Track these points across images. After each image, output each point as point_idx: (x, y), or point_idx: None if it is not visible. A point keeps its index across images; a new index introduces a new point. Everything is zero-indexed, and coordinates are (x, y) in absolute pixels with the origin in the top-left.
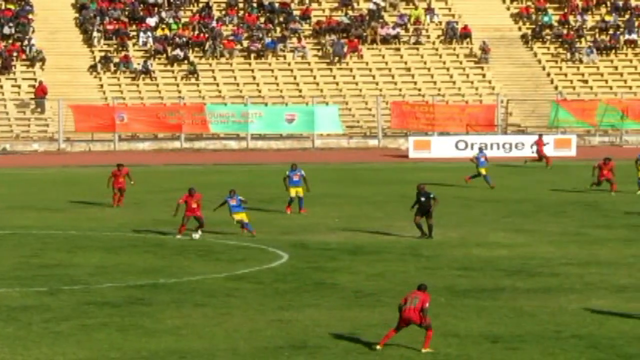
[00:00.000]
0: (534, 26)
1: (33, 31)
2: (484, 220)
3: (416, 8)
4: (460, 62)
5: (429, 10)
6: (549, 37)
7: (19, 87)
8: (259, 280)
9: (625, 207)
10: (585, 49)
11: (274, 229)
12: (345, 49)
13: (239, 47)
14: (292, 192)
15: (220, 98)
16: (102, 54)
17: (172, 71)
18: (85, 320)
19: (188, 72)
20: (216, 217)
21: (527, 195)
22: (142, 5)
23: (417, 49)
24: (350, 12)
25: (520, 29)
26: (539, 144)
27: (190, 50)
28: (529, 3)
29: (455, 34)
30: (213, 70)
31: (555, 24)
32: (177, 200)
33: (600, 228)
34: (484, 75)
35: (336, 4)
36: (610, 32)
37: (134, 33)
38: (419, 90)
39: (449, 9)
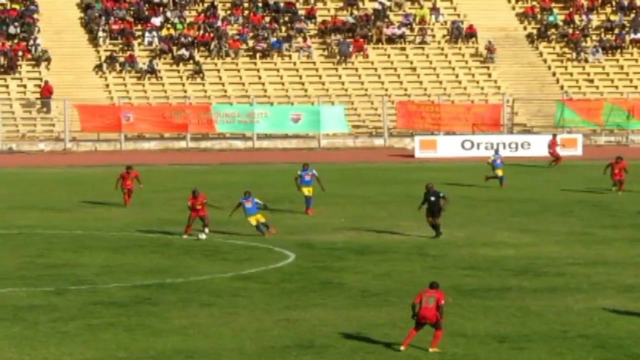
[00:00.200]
0: (539, 26)
1: (38, 31)
2: (490, 219)
3: (421, 7)
4: (466, 62)
5: (434, 9)
6: (554, 37)
7: (25, 86)
8: (266, 280)
9: (632, 206)
10: (591, 49)
11: (280, 228)
12: (351, 49)
13: (244, 46)
14: (305, 191)
15: (226, 98)
16: (108, 53)
17: (178, 71)
18: (92, 320)
19: (193, 72)
20: (223, 217)
21: (533, 194)
22: (147, 5)
23: (423, 48)
24: (355, 12)
25: (525, 28)
26: (553, 143)
27: (196, 50)
28: (534, 3)
29: (460, 34)
30: (218, 70)
31: (561, 23)
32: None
33: (606, 228)
34: (489, 75)
35: (341, 4)
36: (616, 31)
37: (139, 33)
38: (425, 89)
39: (454, 9)
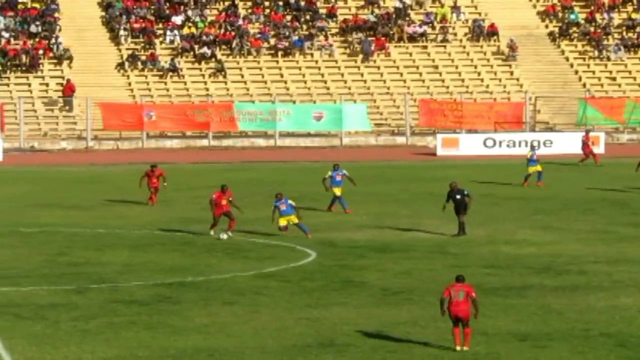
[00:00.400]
0: (560, 24)
1: (60, 29)
2: (511, 217)
3: (442, 6)
4: (488, 60)
5: (455, 8)
6: (576, 35)
7: (47, 85)
8: (287, 279)
9: None
10: (613, 47)
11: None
12: (373, 47)
13: (266, 45)
14: (337, 191)
15: (248, 96)
16: (129, 52)
17: (200, 69)
18: (113, 319)
19: (215, 70)
20: (244, 215)
21: (554, 192)
22: (168, 4)
23: (445, 46)
24: (376, 10)
25: (547, 26)
26: (586, 139)
27: (218, 48)
28: (555, 1)
29: (482, 32)
30: (240, 69)
31: (582, 21)
32: (209, 196)
33: (628, 226)
34: (511, 73)
35: (362, 2)
36: (638, 30)
37: (161, 31)
38: (447, 88)
39: (475, 7)
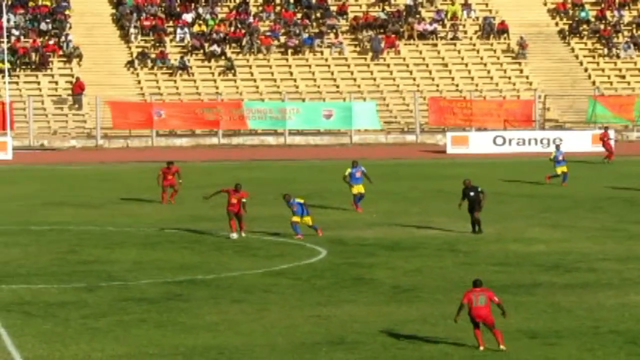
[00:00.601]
0: (570, 22)
1: (70, 27)
2: (520, 215)
3: (453, 3)
4: (498, 58)
5: (466, 5)
6: (586, 33)
7: (56, 83)
8: (297, 276)
9: None
10: (623, 44)
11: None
12: (383, 45)
13: (276, 43)
14: (355, 189)
15: (258, 94)
16: (139, 50)
17: (210, 67)
18: (123, 317)
19: (225, 68)
20: (253, 213)
21: (563, 190)
22: (178, 2)
23: (455, 44)
24: (387, 8)
25: (557, 24)
26: (604, 136)
27: (228, 46)
28: None
29: (492, 30)
30: (250, 66)
31: (592, 19)
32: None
33: (637, 224)
34: (521, 71)
35: (373, 0)
36: None
37: (171, 29)
38: (457, 85)
39: (486, 5)
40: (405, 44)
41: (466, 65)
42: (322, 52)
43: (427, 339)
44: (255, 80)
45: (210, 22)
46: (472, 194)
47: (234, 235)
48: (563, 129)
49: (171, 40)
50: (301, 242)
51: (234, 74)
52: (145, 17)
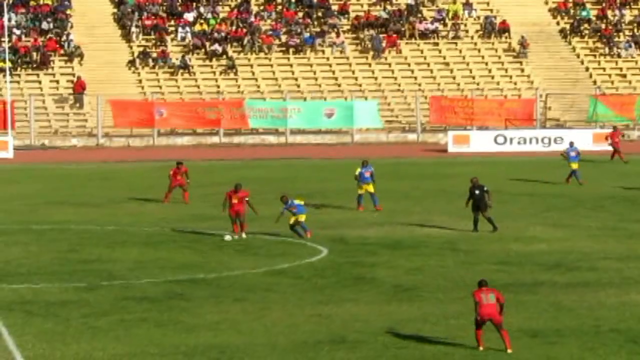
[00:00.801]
0: (572, 21)
1: (71, 26)
2: (522, 214)
3: (454, 3)
4: (499, 57)
5: (467, 5)
6: (587, 32)
7: (58, 82)
8: (298, 275)
9: None
10: (624, 44)
11: (312, 223)
12: (384, 44)
13: (277, 42)
14: (362, 189)
15: (259, 93)
16: (141, 49)
17: (211, 66)
18: (124, 316)
19: (227, 67)
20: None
21: (565, 189)
22: (180, 1)
23: (456, 43)
24: (388, 7)
25: (558, 23)
26: (613, 136)
27: (229, 46)
28: None
29: (493, 29)
30: (252, 66)
31: (593, 18)
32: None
33: (638, 222)
34: (522, 70)
35: None
36: None
37: (172, 28)
38: (458, 85)
39: (487, 4)
40: (407, 43)
41: (467, 64)
42: (323, 51)
43: (428, 338)
44: (256, 80)
45: (212, 21)
46: (477, 192)
47: (228, 237)
48: (564, 128)
49: (172, 40)
50: (302, 241)
51: (235, 73)
52: (147, 16)
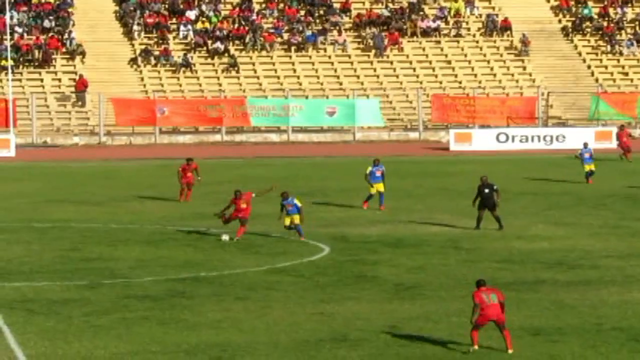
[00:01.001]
0: (574, 19)
1: (73, 24)
2: (524, 213)
3: (456, 1)
4: (501, 55)
5: (469, 3)
6: (589, 30)
7: (60, 80)
8: (300, 274)
9: None
10: (626, 42)
11: (314, 222)
12: (386, 42)
13: (279, 40)
14: (374, 189)
15: (261, 91)
16: (143, 47)
17: (213, 64)
18: (125, 314)
19: (228, 65)
20: (255, 211)
21: (567, 188)
22: None
23: (458, 41)
24: (390, 5)
25: (560, 21)
26: (621, 135)
27: (231, 44)
28: None
29: (495, 27)
30: (253, 64)
31: (595, 16)
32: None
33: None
34: (524, 68)
35: None
36: None
37: (174, 26)
38: (460, 83)
39: (489, 2)
40: (409, 41)
41: (469, 62)
42: (325, 49)
43: (429, 336)
44: (258, 78)
45: (214, 19)
46: (487, 190)
47: (225, 237)
48: (566, 126)
49: (174, 38)
50: (304, 239)
51: (237, 71)
52: (149, 14)
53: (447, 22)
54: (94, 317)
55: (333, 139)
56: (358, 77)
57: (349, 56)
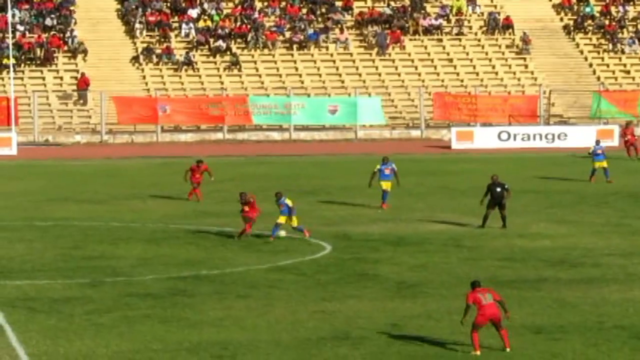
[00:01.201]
0: (575, 17)
1: (75, 23)
2: (526, 211)
3: None
4: (503, 53)
5: (471, 1)
6: (590, 28)
7: (61, 78)
8: (302, 272)
9: None
10: (627, 40)
11: (316, 220)
12: (388, 40)
13: (281, 38)
14: (384, 185)
15: (263, 89)
16: (144, 45)
17: (215, 62)
18: (127, 312)
19: (230, 64)
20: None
21: (569, 186)
22: None
23: (459, 39)
24: (392, 3)
25: (562, 19)
26: (626, 132)
27: (233, 42)
28: None
29: (497, 25)
30: (255, 62)
31: (597, 14)
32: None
33: None
34: (526, 66)
35: None
36: None
37: (176, 24)
38: (462, 81)
39: (491, 0)
40: (411, 39)
41: (471, 60)
42: (327, 48)
43: (431, 335)
44: (260, 76)
45: (216, 18)
46: (498, 189)
47: (282, 233)
48: (568, 124)
49: (176, 36)
50: (306, 238)
51: (239, 70)
52: (151, 12)
53: (449, 21)
54: (96, 315)
55: (335, 137)
56: (360, 75)
57: (351, 54)
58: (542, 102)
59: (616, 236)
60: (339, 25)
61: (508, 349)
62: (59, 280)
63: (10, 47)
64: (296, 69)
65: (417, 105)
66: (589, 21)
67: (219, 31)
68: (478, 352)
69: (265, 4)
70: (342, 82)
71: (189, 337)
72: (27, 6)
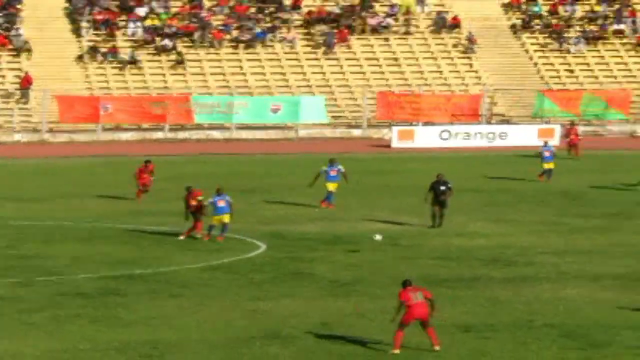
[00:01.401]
0: (524, 16)
1: (21, 21)
2: (465, 210)
3: None
4: (449, 52)
5: (420, 0)
6: (538, 27)
7: (4, 77)
8: (236, 271)
9: (603, 197)
10: (573, 39)
11: (254, 219)
12: (336, 40)
13: (228, 37)
14: (330, 187)
15: (206, 88)
16: (90, 44)
17: (160, 61)
18: (58, 312)
19: (175, 62)
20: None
21: (507, 185)
22: None
23: (406, 39)
24: (341, 2)
25: (509, 19)
26: (570, 131)
27: (179, 41)
28: None
29: (444, 24)
30: (200, 61)
31: (545, 14)
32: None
33: (578, 217)
34: (471, 65)
35: None
36: (599, 22)
37: (123, 23)
38: (406, 80)
39: None
40: (357, 39)
41: (417, 59)
42: (273, 47)
43: (361, 334)
44: (204, 75)
45: (163, 16)
46: (442, 188)
47: (378, 237)
48: (509, 123)
49: (123, 35)
50: (241, 237)
51: (184, 68)
52: (98, 11)
53: (397, 20)
54: (26, 314)
55: (276, 136)
56: (305, 74)
57: (297, 53)
58: (485, 101)
59: (552, 235)
60: (287, 24)
61: (437, 347)
62: None
63: None
64: (241, 68)
65: (360, 104)
66: (537, 20)
67: (166, 30)
68: (397, 351)
69: (214, 2)
70: (287, 81)
71: (119, 337)
72: None
